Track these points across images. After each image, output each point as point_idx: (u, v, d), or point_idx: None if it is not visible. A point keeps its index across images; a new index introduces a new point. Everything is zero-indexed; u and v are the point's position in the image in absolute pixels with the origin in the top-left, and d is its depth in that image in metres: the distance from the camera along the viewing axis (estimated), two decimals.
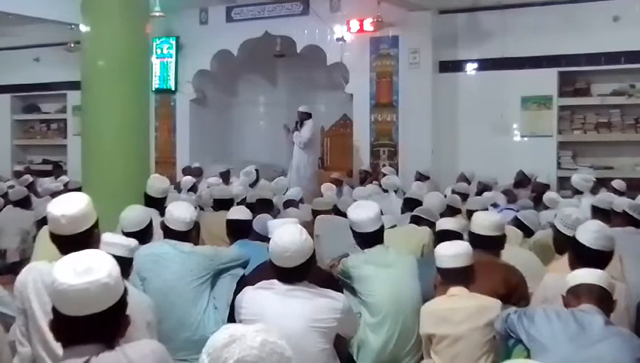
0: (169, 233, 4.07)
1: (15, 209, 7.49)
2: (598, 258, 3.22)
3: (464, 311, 3.31)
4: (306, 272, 3.06)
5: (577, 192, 7.26)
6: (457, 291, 3.36)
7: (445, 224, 4.46)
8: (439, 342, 3.34)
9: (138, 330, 2.48)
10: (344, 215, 5.57)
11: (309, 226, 4.95)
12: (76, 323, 1.91)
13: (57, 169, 11.81)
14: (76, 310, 1.90)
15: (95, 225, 2.66)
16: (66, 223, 2.57)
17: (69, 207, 2.59)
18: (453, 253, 3.37)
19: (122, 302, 1.98)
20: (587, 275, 2.90)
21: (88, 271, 1.92)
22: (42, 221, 5.34)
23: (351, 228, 4.02)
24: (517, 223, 5.03)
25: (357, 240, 4.03)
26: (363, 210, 4.00)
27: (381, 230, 4.00)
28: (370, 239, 3.96)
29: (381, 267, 3.88)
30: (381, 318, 3.81)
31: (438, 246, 3.52)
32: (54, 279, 1.92)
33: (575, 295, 2.89)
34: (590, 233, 3.33)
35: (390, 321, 3.80)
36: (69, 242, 2.51)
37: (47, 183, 9.31)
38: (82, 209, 2.60)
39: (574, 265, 3.33)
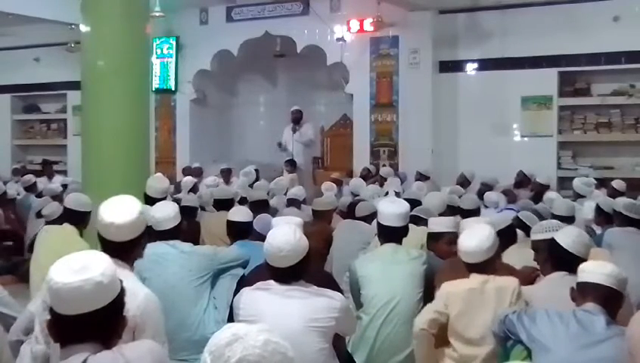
0: (162, 235, 4.04)
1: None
2: (574, 262, 3.19)
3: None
4: (302, 272, 3.05)
5: (579, 196, 7.25)
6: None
7: (436, 226, 4.47)
8: None
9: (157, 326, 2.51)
10: (357, 217, 5.68)
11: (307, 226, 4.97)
12: (71, 322, 1.91)
13: (48, 167, 11.32)
14: (71, 308, 1.91)
15: (143, 235, 2.68)
16: (115, 231, 2.61)
17: (120, 216, 2.62)
18: (472, 247, 3.37)
19: (117, 302, 1.98)
20: (595, 274, 2.83)
21: (83, 270, 1.92)
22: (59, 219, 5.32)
23: (377, 221, 4.13)
24: (518, 223, 5.02)
25: (379, 233, 4.13)
26: (394, 205, 4.13)
27: (404, 229, 4.07)
28: (391, 234, 4.03)
29: (387, 264, 3.92)
30: (372, 316, 3.84)
31: (459, 239, 3.49)
32: (50, 278, 1.92)
33: (581, 292, 2.86)
34: (570, 237, 3.34)
35: (380, 321, 3.82)
36: (115, 248, 2.56)
37: (44, 183, 9.26)
38: (132, 219, 2.63)
39: (549, 267, 3.38)
